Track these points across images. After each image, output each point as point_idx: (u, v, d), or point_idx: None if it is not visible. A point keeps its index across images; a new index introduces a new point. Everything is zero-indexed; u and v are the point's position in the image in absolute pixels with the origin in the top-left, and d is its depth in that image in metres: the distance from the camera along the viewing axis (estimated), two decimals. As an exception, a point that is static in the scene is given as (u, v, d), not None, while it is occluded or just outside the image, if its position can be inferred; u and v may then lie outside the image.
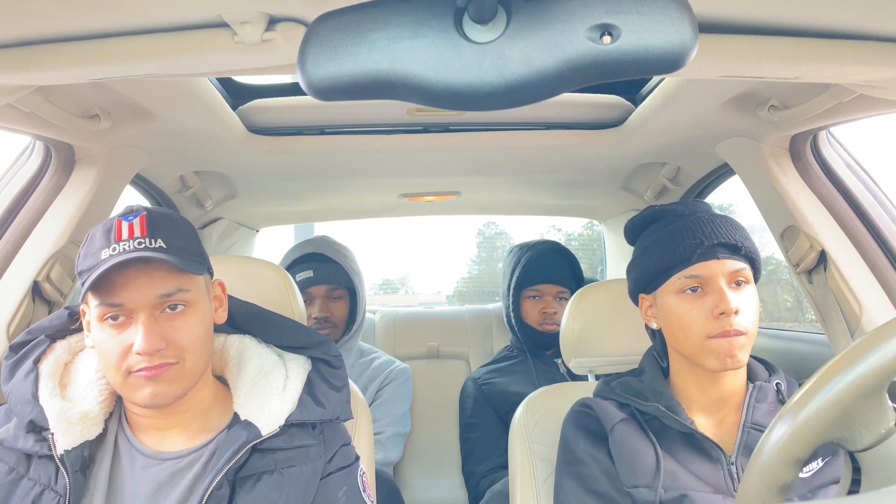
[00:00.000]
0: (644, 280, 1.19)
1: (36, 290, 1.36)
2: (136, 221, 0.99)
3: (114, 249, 0.96)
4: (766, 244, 1.20)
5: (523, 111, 1.61)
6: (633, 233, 1.26)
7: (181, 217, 1.06)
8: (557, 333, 1.54)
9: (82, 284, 0.97)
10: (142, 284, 0.96)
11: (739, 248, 1.12)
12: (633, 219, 1.26)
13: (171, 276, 0.98)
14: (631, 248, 1.26)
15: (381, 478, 1.65)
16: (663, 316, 1.16)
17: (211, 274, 1.10)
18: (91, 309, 0.99)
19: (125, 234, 0.97)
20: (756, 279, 1.16)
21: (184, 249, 1.00)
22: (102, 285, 0.96)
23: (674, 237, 1.14)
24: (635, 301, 1.24)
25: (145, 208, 1.02)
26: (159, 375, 0.96)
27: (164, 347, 0.96)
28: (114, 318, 0.97)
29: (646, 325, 1.24)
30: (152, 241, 0.97)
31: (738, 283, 1.12)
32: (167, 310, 0.98)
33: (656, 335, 1.25)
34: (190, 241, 1.02)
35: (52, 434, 0.99)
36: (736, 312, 1.08)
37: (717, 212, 1.19)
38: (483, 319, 2.61)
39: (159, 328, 0.97)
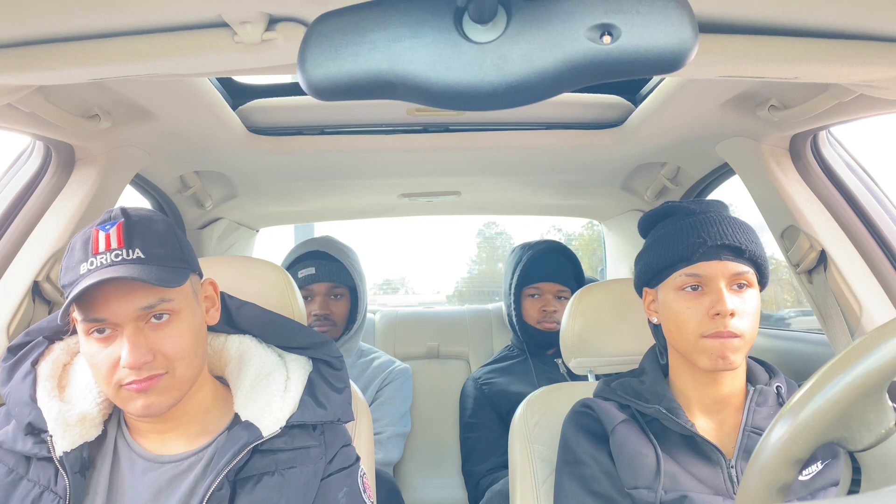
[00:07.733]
0: (648, 274, 1.20)
1: (36, 290, 1.35)
2: (113, 231, 0.96)
3: (91, 264, 0.94)
4: (766, 244, 1.20)
5: (523, 111, 1.61)
6: (646, 227, 1.27)
7: (161, 219, 1.03)
8: (557, 332, 1.54)
9: (66, 298, 0.95)
10: (122, 299, 0.94)
11: (743, 252, 1.12)
12: (648, 213, 1.27)
13: (151, 286, 0.95)
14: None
15: (381, 478, 1.65)
16: (662, 311, 1.17)
17: (200, 275, 1.08)
18: (78, 322, 0.97)
19: (102, 247, 0.95)
20: (763, 284, 1.16)
21: (163, 257, 0.97)
22: (84, 301, 0.94)
23: (679, 234, 1.15)
24: (640, 293, 1.25)
25: (123, 213, 0.99)
26: (150, 388, 0.95)
27: (152, 359, 0.95)
28: (100, 331, 0.95)
29: (648, 320, 1.24)
30: (130, 251, 0.95)
31: (740, 286, 1.12)
32: (152, 320, 0.96)
33: (658, 330, 1.25)
34: (170, 247, 0.99)
35: (51, 436, 0.98)
36: (732, 315, 1.08)
37: (731, 213, 1.19)
38: (483, 319, 2.61)
39: (145, 340, 0.95)
